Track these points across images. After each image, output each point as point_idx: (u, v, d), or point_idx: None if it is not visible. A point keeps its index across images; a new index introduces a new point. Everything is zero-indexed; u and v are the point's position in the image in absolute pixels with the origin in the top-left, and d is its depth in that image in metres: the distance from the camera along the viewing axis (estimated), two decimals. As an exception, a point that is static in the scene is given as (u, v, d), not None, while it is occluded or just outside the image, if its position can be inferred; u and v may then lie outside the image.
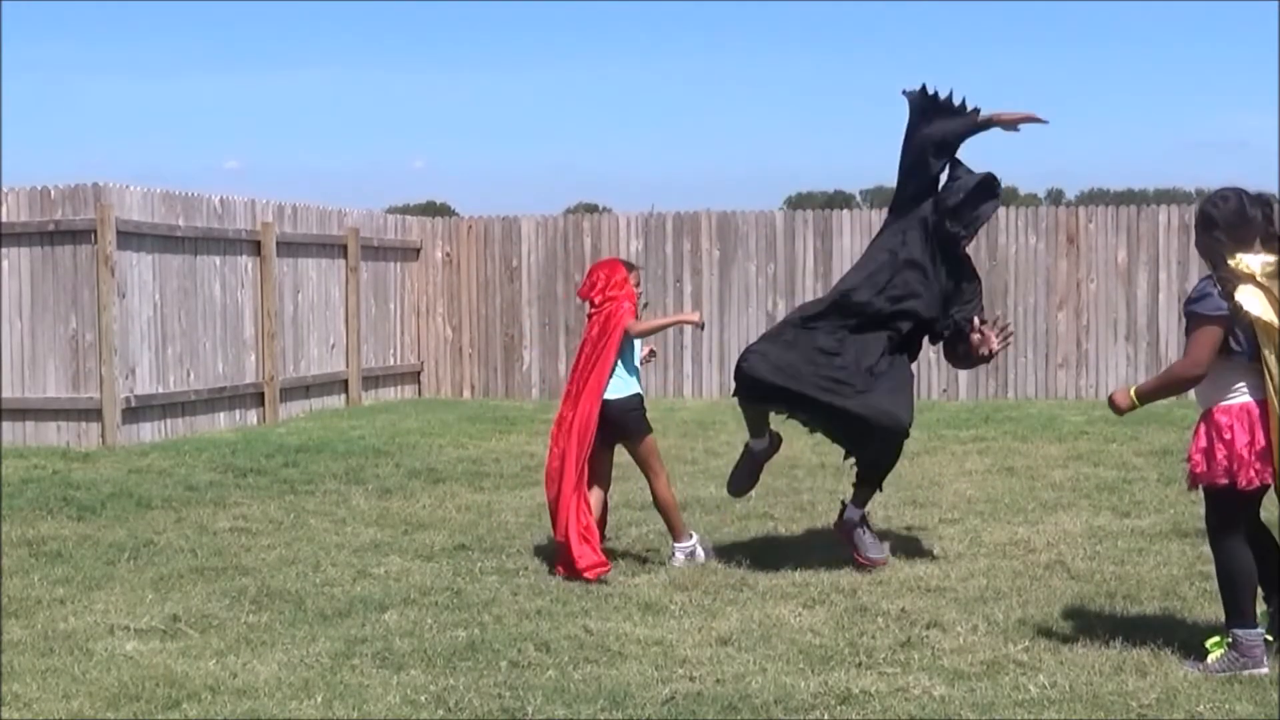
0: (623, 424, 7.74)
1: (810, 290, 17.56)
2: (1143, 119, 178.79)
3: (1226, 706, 5.21)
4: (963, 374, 17.25)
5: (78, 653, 6.07)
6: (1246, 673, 5.55)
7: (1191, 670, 5.60)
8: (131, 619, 6.62)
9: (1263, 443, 5.53)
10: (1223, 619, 5.80)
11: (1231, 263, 5.53)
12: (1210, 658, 5.65)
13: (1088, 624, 6.32)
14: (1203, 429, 5.66)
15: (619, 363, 7.75)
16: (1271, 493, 5.76)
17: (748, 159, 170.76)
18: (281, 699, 5.41)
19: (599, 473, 7.85)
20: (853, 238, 17.55)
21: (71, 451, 12.39)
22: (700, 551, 7.86)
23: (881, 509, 9.39)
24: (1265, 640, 5.66)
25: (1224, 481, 5.58)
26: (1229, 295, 5.49)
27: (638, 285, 7.93)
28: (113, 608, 6.86)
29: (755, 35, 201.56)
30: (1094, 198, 60.92)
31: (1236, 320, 5.52)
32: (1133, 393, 5.74)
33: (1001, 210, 17.57)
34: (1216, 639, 5.73)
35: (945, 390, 17.31)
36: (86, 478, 10.85)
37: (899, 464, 11.50)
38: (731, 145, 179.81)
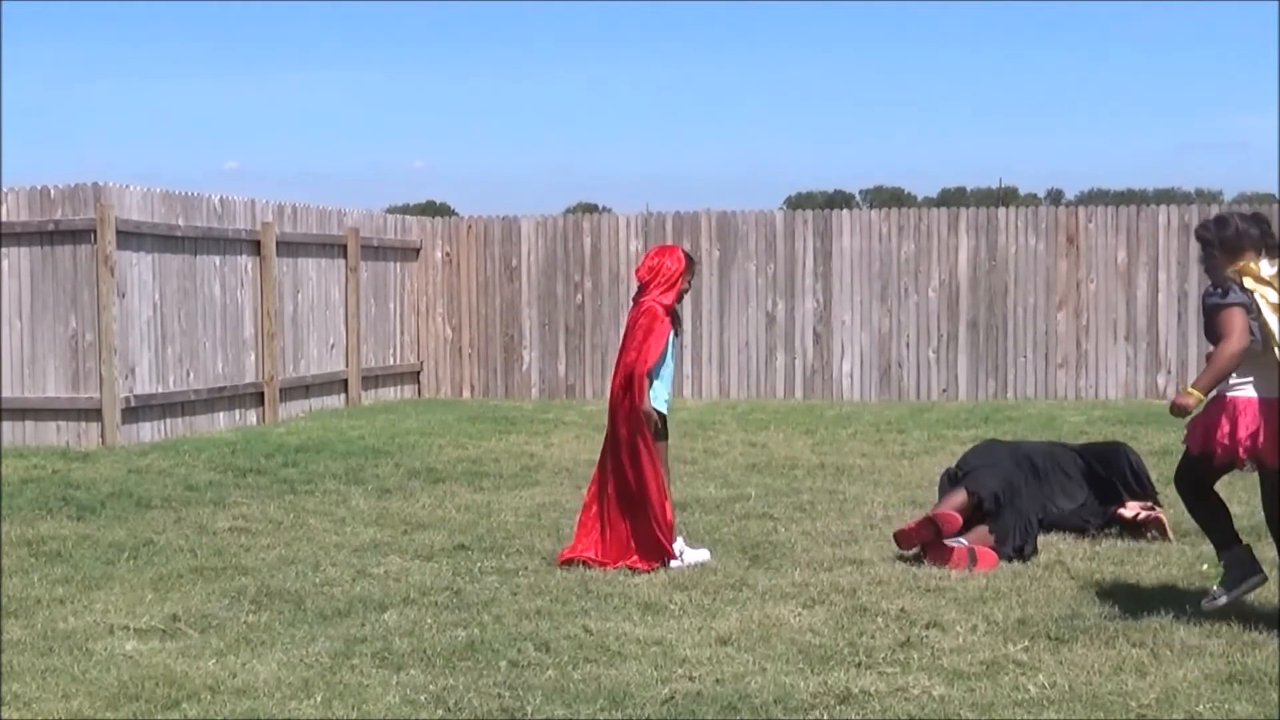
0: None
1: (810, 290, 17.59)
2: (1142, 120, 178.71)
3: (1226, 706, 5.21)
4: (963, 374, 17.27)
5: (77, 652, 6.07)
6: (1252, 580, 6.28)
7: (1209, 604, 6.28)
8: (131, 619, 6.62)
9: (1243, 433, 6.07)
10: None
11: (1231, 270, 6.11)
12: (1215, 586, 6.37)
13: (1087, 624, 6.33)
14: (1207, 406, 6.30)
15: (648, 374, 7.89)
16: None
17: (747, 159, 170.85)
18: (281, 699, 5.41)
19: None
20: (852, 238, 17.55)
21: (71, 451, 12.40)
22: (690, 552, 7.87)
23: (881, 509, 9.41)
24: (1249, 551, 6.40)
25: (1189, 448, 6.39)
26: (1238, 276, 6.08)
27: (690, 280, 8.06)
28: (112, 607, 6.86)
29: (755, 35, 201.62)
30: (1094, 198, 61.00)
31: (1250, 309, 6.03)
32: (1191, 388, 6.15)
33: (1001, 210, 17.62)
34: (1212, 569, 6.54)
35: (945, 390, 17.31)
36: (86, 477, 10.85)
37: (899, 464, 11.61)
38: (731, 145, 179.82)
